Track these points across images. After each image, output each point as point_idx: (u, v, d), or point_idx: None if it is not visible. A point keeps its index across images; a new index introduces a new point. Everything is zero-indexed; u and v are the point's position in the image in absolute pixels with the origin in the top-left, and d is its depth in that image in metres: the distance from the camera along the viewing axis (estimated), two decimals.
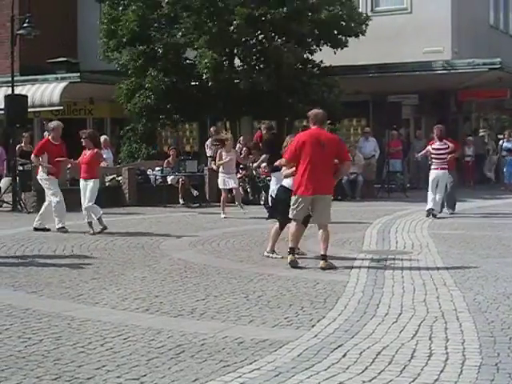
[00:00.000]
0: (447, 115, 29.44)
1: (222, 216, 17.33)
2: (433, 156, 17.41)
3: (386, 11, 26.75)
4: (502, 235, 13.89)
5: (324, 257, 10.41)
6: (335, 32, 23.21)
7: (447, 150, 17.33)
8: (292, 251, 10.62)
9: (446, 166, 17.31)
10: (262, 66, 23.30)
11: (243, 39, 22.76)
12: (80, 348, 6.34)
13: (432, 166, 17.45)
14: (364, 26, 23.37)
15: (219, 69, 22.12)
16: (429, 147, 17.78)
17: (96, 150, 14.66)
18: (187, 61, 24.02)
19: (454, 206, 17.99)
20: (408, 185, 25.71)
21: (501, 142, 28.11)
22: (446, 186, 17.50)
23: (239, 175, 22.48)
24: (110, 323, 7.19)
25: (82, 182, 14.63)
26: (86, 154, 14.61)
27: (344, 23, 23.04)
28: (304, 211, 10.63)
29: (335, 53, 23.42)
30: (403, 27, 26.38)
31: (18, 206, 19.04)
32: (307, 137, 10.67)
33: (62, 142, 15.18)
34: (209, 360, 5.98)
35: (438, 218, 16.79)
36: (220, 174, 18.17)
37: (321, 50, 23.63)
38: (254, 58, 23.39)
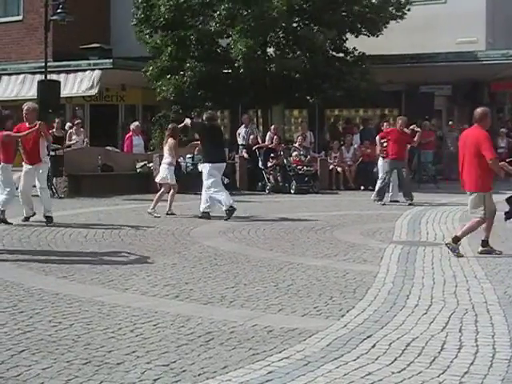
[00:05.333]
0: (480, 106, 29.20)
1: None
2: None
3: (420, 1, 26.53)
4: None
5: (455, 237, 10.68)
6: (371, 18, 23.19)
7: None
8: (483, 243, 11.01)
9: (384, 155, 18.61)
10: (294, 51, 23.31)
11: (278, 27, 22.77)
12: (110, 333, 6.38)
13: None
14: (405, 10, 23.37)
15: (252, 56, 22.09)
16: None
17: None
18: (220, 48, 24.02)
19: (411, 195, 18.10)
20: (440, 176, 25.52)
21: None
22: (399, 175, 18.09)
23: (270, 164, 22.50)
24: (139, 309, 7.23)
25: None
26: None
27: (379, 12, 23.03)
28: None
29: (373, 35, 23.42)
30: (437, 17, 26.14)
31: (50, 192, 19.09)
32: None
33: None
34: (238, 348, 6.00)
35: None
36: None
37: (356, 36, 23.56)
38: (287, 43, 23.40)
